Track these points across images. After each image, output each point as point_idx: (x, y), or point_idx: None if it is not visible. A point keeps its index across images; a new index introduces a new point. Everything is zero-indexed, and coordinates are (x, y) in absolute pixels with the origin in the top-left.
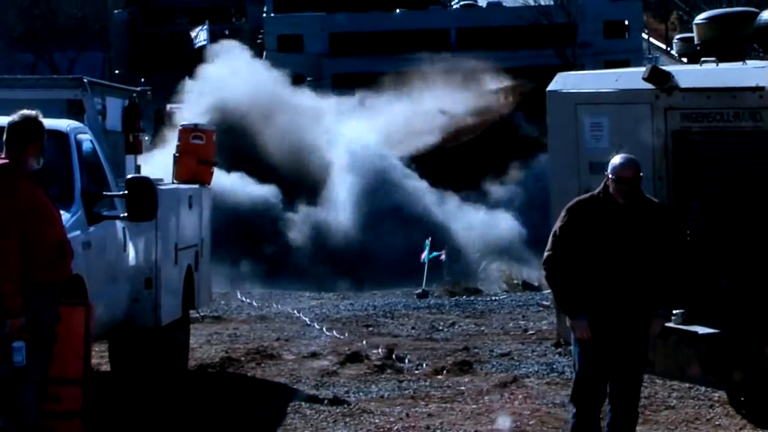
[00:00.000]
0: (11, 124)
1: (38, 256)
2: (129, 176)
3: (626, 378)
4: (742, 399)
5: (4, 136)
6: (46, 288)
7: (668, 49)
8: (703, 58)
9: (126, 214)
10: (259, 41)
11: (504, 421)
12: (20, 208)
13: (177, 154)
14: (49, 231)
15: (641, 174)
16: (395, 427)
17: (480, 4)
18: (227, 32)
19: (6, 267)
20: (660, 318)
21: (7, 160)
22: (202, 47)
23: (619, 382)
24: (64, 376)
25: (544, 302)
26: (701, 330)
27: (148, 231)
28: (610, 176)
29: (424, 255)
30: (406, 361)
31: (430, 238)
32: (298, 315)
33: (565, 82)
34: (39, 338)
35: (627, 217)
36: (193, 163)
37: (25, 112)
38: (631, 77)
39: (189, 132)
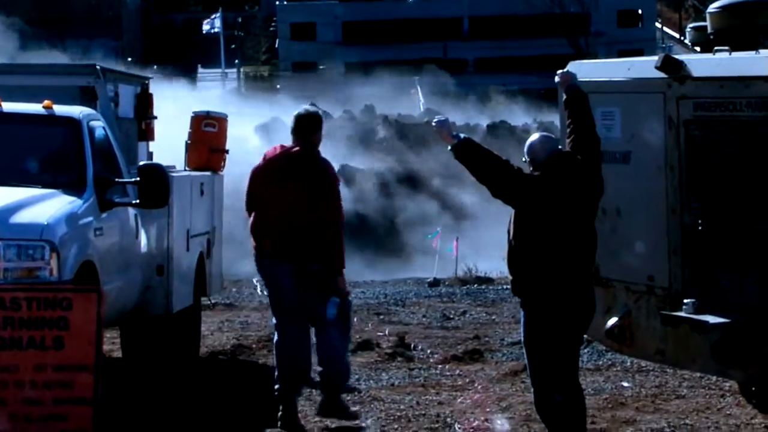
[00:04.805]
0: (298, 117)
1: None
2: (141, 163)
3: None
4: (753, 389)
5: (293, 126)
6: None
7: (682, 38)
8: (716, 47)
9: (138, 201)
10: (272, 29)
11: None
12: (317, 188)
13: (189, 142)
14: (337, 210)
15: None
16: (405, 415)
17: None
18: (240, 20)
19: (336, 232)
20: None
21: (298, 148)
22: (215, 34)
23: None
24: (76, 362)
25: None
26: (712, 319)
27: (160, 218)
28: None
29: (436, 243)
30: (417, 349)
31: (439, 228)
32: None
33: (577, 70)
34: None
35: None
36: (206, 150)
37: (309, 107)
38: (644, 66)
39: (201, 119)
